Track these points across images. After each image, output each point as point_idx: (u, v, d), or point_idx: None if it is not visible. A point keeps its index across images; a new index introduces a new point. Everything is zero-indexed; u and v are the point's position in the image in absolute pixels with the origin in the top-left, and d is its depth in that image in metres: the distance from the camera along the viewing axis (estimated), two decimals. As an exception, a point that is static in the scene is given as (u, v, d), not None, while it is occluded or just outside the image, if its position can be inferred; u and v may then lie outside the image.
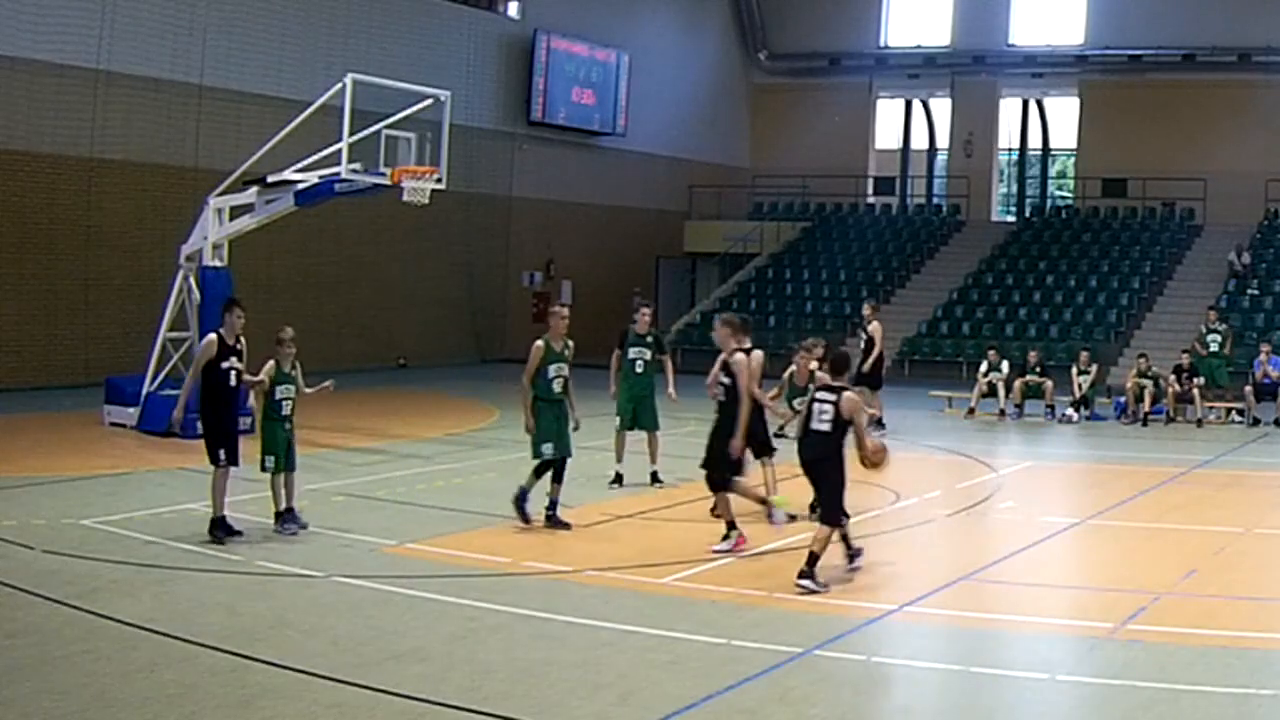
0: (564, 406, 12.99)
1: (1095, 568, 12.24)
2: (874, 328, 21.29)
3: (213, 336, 12.26)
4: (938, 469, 18.24)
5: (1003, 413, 23.92)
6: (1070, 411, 23.86)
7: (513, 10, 34.93)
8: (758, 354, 12.28)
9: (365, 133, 18.15)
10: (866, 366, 20.72)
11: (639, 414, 15.58)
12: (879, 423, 20.32)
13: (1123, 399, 24.05)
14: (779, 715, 7.61)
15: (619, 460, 15.56)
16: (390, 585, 10.43)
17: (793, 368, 15.98)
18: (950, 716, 7.92)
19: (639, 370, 15.61)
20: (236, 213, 19.11)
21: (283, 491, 12.34)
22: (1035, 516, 13.93)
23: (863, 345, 21.39)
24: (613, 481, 15.33)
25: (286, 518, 12.32)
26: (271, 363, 12.37)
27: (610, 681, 8.15)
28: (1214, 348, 24.89)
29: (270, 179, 18.72)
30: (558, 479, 12.85)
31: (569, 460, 12.93)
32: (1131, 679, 8.23)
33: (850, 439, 10.88)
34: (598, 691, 7.94)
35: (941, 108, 41.62)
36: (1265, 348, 24.22)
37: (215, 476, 11.92)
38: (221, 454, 11.93)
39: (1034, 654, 9.06)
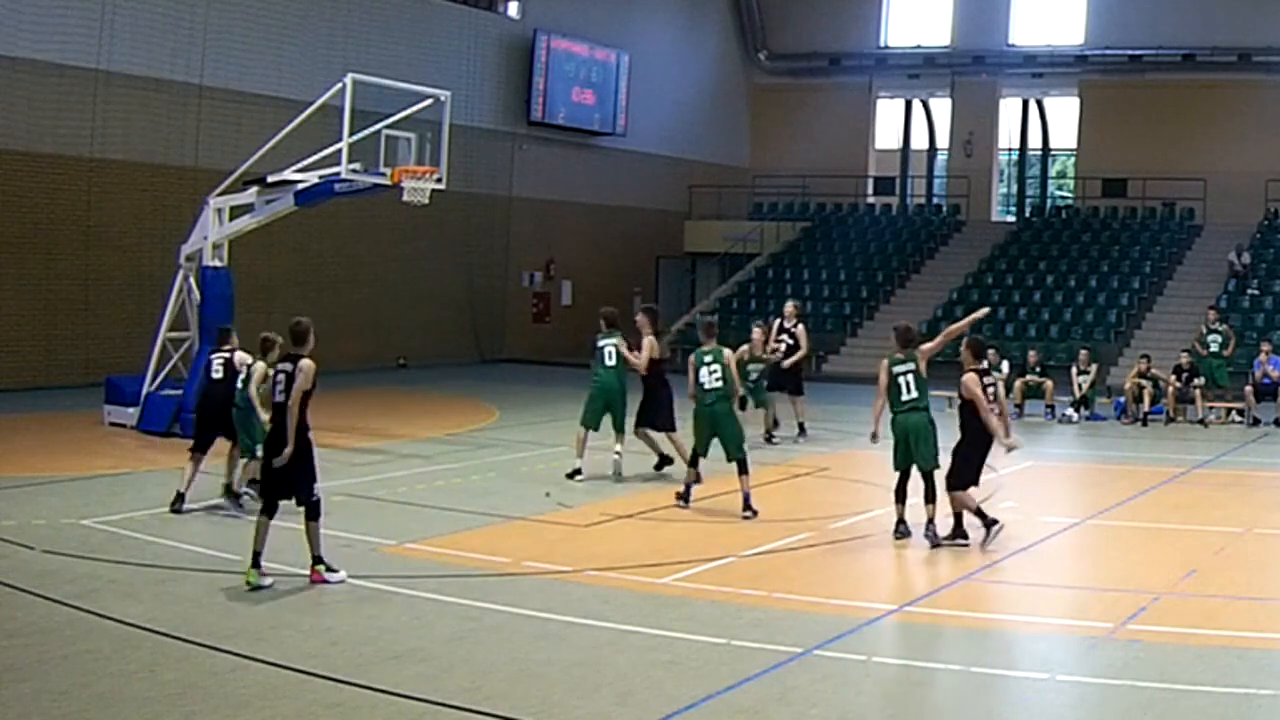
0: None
1: (1095, 568, 12.24)
2: (800, 330, 20.37)
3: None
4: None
5: (1003, 413, 23.88)
6: (1070, 411, 23.85)
7: (513, 10, 34.93)
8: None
9: (365, 133, 18.14)
10: (788, 365, 20.09)
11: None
12: (801, 429, 20.12)
13: (1122, 399, 24.05)
14: (779, 715, 7.61)
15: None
16: (390, 585, 10.44)
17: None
18: (950, 716, 7.92)
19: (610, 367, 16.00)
20: (236, 213, 19.11)
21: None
22: (1035, 516, 13.92)
23: (784, 348, 20.18)
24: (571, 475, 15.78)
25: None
26: (262, 366, 13.02)
27: (610, 681, 8.15)
28: (1214, 348, 24.87)
29: (270, 179, 18.71)
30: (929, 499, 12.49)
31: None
32: (1131, 679, 8.24)
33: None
34: (597, 691, 7.95)
35: (941, 108, 41.61)
36: (1266, 347, 24.20)
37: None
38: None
39: (1034, 654, 9.07)
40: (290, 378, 10.47)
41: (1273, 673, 8.40)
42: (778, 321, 20.72)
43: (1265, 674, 8.32)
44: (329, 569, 10.44)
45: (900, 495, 12.54)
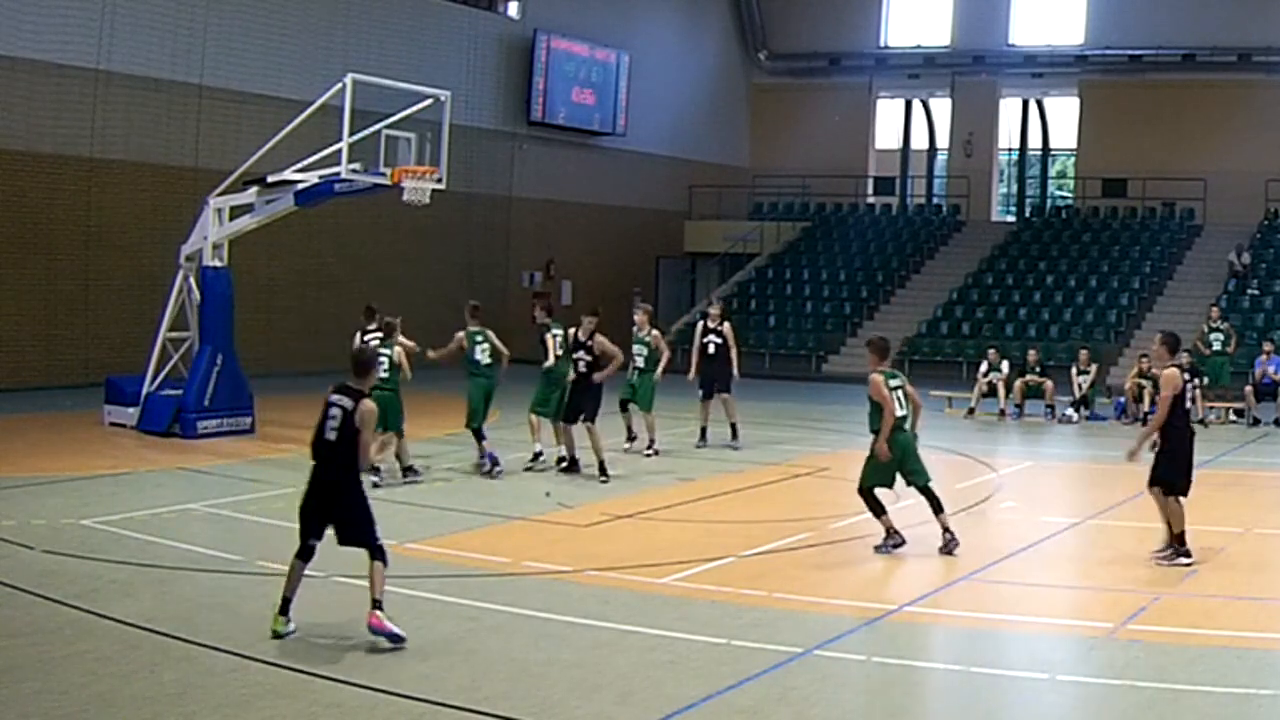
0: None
1: (1095, 568, 12.21)
2: (728, 329, 19.18)
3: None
4: (938, 469, 18.15)
5: (1003, 413, 23.93)
6: (1070, 411, 23.86)
7: (513, 10, 34.93)
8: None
9: (365, 132, 18.14)
10: (736, 372, 18.99)
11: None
12: (734, 431, 19.05)
13: (1122, 399, 24.05)
14: (779, 715, 7.61)
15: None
16: (390, 585, 10.34)
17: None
18: (950, 716, 7.92)
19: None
20: (236, 213, 19.10)
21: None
22: (1035, 516, 13.93)
23: (711, 350, 19.02)
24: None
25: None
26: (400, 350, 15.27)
27: (610, 681, 8.15)
28: (1217, 346, 24.86)
29: (270, 179, 18.71)
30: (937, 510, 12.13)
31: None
32: (1131, 679, 8.24)
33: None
34: (597, 691, 7.95)
35: (941, 108, 41.64)
36: (1267, 347, 24.19)
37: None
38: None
39: (1034, 654, 9.06)
40: (348, 416, 9.05)
41: (1272, 672, 8.41)
42: (701, 324, 19.62)
43: (1265, 674, 8.33)
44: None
45: (881, 508, 12.12)
